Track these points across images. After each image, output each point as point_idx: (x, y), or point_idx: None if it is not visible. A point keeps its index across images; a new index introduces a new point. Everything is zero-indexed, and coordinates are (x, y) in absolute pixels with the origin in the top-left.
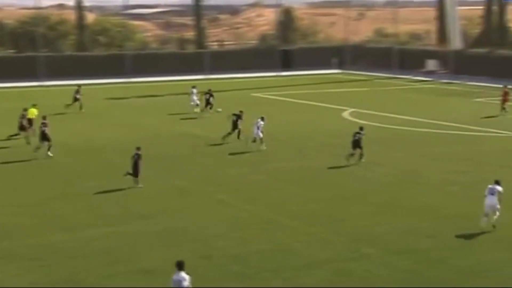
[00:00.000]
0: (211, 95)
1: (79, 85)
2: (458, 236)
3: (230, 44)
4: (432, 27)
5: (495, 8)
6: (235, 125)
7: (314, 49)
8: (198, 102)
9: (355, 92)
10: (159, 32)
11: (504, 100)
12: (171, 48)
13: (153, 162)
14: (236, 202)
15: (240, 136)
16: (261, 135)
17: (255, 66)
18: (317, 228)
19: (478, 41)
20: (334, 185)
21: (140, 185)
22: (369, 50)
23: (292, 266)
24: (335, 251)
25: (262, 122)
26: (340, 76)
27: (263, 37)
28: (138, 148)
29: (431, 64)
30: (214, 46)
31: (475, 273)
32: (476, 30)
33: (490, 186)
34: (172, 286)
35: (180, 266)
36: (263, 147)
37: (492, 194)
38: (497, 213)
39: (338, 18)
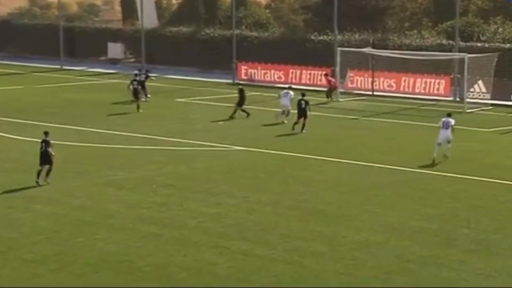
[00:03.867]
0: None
1: None
2: None
3: None
4: None
5: None
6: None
7: None
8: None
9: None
10: None
11: (334, 87)
12: None
13: None
14: None
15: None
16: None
17: None
18: None
19: (179, 17)
20: None
21: (48, 181)
22: (22, 28)
23: None
24: None
25: (292, 92)
26: None
27: None
28: (46, 133)
29: (114, 50)
30: None
31: None
32: (175, 1)
33: (443, 119)
34: None
35: None
36: (285, 120)
37: (447, 128)
38: (450, 144)
39: None
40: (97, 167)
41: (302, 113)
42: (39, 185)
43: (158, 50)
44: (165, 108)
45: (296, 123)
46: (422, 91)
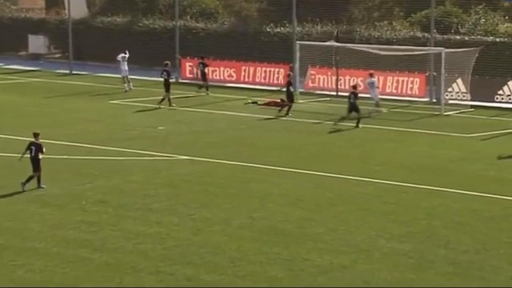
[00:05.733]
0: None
1: None
2: None
3: None
4: None
5: None
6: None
7: None
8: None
9: None
10: None
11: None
12: None
13: None
14: None
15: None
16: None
17: None
18: None
19: (112, 5)
20: None
21: (43, 185)
22: None
23: None
24: None
25: (374, 79)
26: None
27: None
28: (36, 135)
29: (36, 43)
30: None
31: None
32: None
33: None
34: None
35: None
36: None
37: None
38: None
39: None
40: (17, 181)
41: (352, 107)
42: (24, 191)
43: (87, 44)
44: (97, 111)
45: (343, 118)
46: (394, 91)
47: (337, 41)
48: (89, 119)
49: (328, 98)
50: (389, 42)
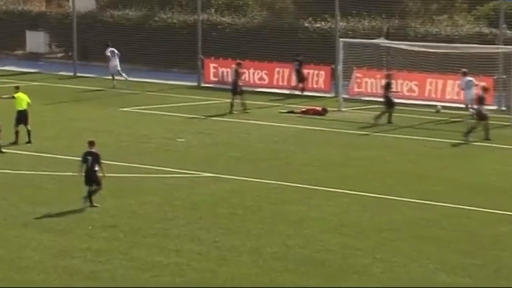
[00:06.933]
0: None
1: None
2: None
3: None
4: None
5: None
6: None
7: None
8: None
9: None
10: None
11: None
12: None
13: None
14: None
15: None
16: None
17: None
18: None
19: None
20: None
21: (96, 204)
22: None
23: None
24: None
25: (471, 78)
26: None
27: None
28: (91, 144)
29: (35, 41)
30: None
31: None
32: None
33: None
34: None
35: None
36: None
37: None
38: None
39: None
40: (12, 201)
41: (477, 114)
42: (94, 206)
43: (94, 42)
44: (105, 120)
45: (472, 127)
46: (455, 97)
47: (388, 39)
48: (97, 129)
49: (376, 106)
50: (449, 39)
